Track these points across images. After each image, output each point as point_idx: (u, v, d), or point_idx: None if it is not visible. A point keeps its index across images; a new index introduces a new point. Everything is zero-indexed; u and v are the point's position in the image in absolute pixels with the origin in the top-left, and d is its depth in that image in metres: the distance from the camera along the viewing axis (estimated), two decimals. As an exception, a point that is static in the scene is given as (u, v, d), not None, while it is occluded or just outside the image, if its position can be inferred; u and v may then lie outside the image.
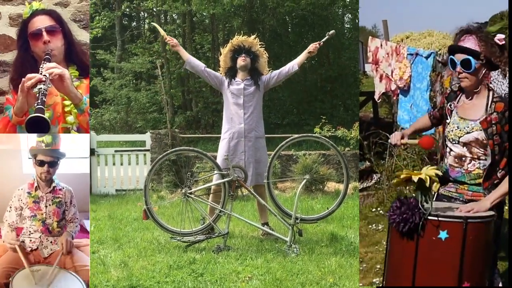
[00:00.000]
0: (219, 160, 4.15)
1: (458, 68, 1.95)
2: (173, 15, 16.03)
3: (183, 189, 3.91)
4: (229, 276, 3.14)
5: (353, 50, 15.40)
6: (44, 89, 2.23)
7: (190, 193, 3.88)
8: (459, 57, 1.95)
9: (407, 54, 3.28)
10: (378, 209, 3.01)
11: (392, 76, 3.25)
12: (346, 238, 4.04)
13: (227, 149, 4.14)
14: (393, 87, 3.26)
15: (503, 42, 1.97)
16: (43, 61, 2.37)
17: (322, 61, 15.66)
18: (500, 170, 1.95)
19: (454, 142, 2.00)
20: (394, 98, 3.37)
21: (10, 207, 2.66)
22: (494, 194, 1.88)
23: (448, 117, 2.04)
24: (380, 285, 2.90)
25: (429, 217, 1.69)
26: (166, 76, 15.17)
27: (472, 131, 1.95)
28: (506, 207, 2.31)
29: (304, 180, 4.12)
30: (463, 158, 1.98)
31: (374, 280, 2.84)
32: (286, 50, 15.19)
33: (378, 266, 2.66)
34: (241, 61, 4.22)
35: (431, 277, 1.67)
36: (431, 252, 1.68)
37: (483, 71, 1.97)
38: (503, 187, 1.88)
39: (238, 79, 4.24)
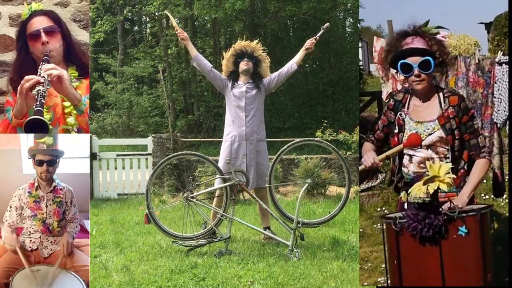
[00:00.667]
0: (221, 163, 4.15)
1: (417, 71, 1.88)
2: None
3: (185, 193, 3.91)
4: (231, 281, 3.13)
5: (355, 54, 15.42)
6: (42, 91, 2.23)
7: (192, 197, 3.87)
8: (415, 60, 1.88)
9: None
10: (383, 208, 3.01)
11: (397, 76, 3.22)
12: (348, 242, 4.02)
13: (229, 152, 4.14)
14: (399, 87, 3.26)
15: (446, 39, 1.97)
16: (41, 62, 2.37)
17: (323, 65, 15.69)
18: (465, 163, 1.93)
19: (415, 148, 1.94)
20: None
21: (11, 207, 2.66)
22: (467, 187, 1.87)
23: (397, 127, 1.98)
24: (384, 284, 2.83)
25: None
26: (168, 80, 15.21)
27: (434, 131, 1.92)
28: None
29: (306, 184, 4.11)
30: (430, 159, 1.92)
31: (379, 279, 2.83)
32: (288, 54, 15.19)
33: (383, 266, 2.66)
34: (243, 65, 4.23)
35: (459, 274, 1.68)
36: (455, 250, 1.69)
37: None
38: (474, 178, 1.87)
39: (240, 82, 4.25)
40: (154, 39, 17.57)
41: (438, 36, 1.96)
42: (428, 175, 1.76)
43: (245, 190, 4.01)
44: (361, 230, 2.98)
